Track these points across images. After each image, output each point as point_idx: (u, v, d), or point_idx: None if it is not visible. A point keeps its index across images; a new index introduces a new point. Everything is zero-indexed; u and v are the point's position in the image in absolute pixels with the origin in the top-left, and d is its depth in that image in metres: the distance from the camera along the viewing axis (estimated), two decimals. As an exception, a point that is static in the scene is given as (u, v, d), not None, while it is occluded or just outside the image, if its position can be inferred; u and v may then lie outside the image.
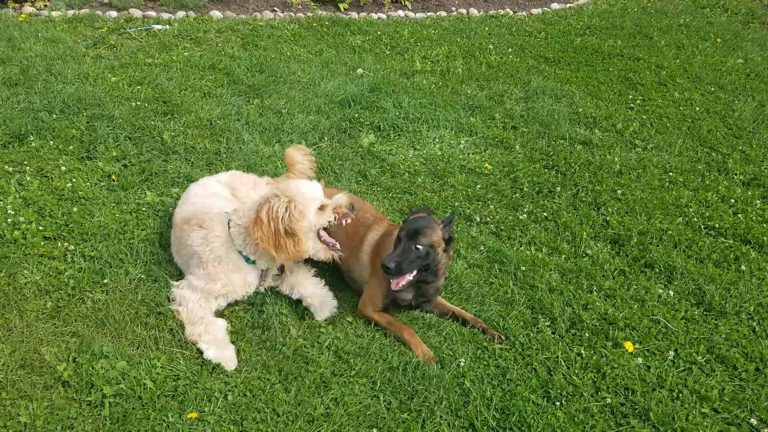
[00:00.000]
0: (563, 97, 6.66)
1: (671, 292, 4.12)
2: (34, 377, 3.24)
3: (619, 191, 5.07)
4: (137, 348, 3.46)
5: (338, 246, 3.79)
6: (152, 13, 7.98)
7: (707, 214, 4.90)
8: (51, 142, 5.09)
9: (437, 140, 5.68)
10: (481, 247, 4.38)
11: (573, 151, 5.60)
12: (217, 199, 4.06)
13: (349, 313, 3.82)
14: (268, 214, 3.49)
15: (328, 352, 3.53)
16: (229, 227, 3.71)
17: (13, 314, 3.58)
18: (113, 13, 7.86)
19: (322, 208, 3.66)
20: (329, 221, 3.69)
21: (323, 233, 3.76)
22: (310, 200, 3.60)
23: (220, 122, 5.59)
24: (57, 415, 3.06)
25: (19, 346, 3.39)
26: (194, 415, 3.10)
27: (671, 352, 3.66)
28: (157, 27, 7.54)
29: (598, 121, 6.22)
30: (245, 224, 3.64)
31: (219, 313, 3.73)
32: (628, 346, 3.67)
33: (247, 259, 3.71)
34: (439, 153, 5.46)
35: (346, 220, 3.75)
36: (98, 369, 3.26)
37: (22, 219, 4.22)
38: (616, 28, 9.08)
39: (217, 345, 3.48)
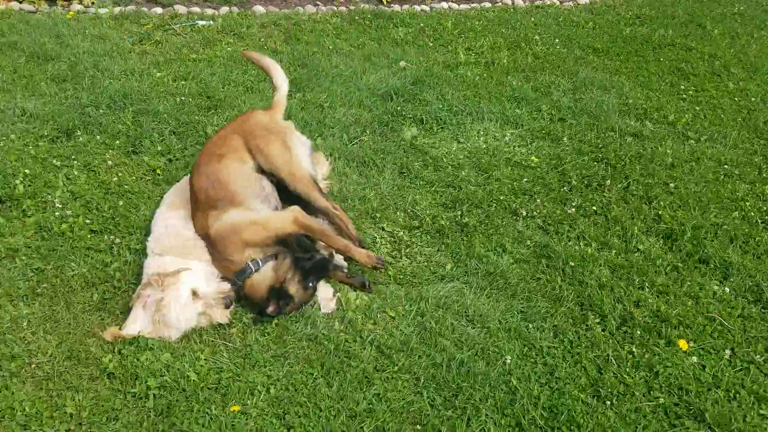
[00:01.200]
0: (612, 88, 6.47)
1: (727, 289, 3.94)
2: (80, 368, 3.27)
3: (671, 184, 4.88)
4: (181, 340, 3.47)
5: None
6: (196, 9, 8.05)
7: (765, 208, 4.68)
8: (98, 137, 5.16)
9: (482, 133, 5.57)
10: (528, 242, 4.27)
11: (623, 144, 5.42)
12: None
13: (391, 307, 3.75)
14: None
15: (371, 347, 3.48)
16: None
17: (60, 306, 3.63)
18: (158, 10, 7.95)
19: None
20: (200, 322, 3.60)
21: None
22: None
23: (263, 116, 5.58)
24: (102, 406, 3.08)
25: (65, 338, 3.43)
26: (237, 408, 3.09)
27: (727, 351, 3.49)
28: (201, 23, 7.60)
29: (649, 113, 6.01)
30: None
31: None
32: (682, 344, 3.52)
33: None
34: (484, 146, 5.35)
35: None
36: (143, 361, 3.28)
37: (69, 212, 4.28)
38: (666, 17, 8.80)
39: None
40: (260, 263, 3.68)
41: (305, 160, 4.13)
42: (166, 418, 3.04)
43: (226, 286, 3.63)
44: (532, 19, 8.40)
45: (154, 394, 3.13)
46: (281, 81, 4.51)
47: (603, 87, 6.47)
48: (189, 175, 4.11)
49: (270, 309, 3.56)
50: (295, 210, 3.84)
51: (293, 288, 3.62)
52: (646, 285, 3.96)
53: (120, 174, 4.72)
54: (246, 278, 3.65)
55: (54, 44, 6.75)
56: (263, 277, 3.66)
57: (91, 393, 3.14)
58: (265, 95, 5.97)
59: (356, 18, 8.04)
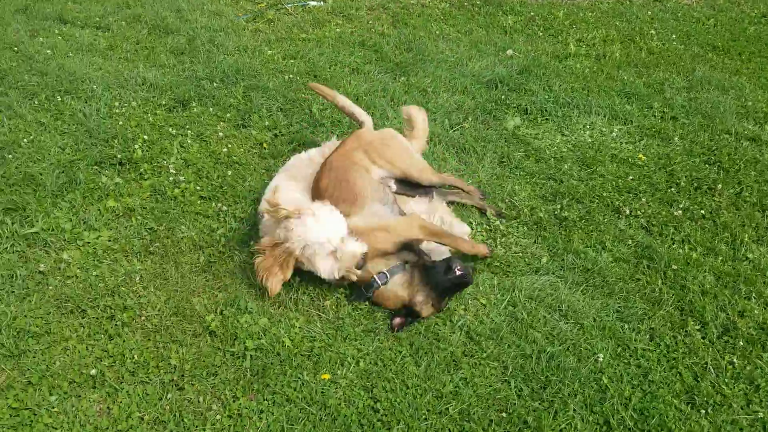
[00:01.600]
0: (731, 89, 6.13)
1: None
2: (185, 324, 3.46)
3: (789, 193, 4.60)
4: (278, 307, 3.61)
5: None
6: (309, -10, 8.23)
7: None
8: (211, 108, 5.40)
9: (588, 127, 5.42)
10: (629, 242, 4.14)
11: (739, 147, 5.14)
12: None
13: (482, 295, 3.75)
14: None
15: (460, 332, 3.49)
16: None
17: (170, 265, 3.85)
18: (273, -10, 8.18)
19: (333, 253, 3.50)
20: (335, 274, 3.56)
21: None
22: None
23: (366, 98, 5.66)
24: (203, 361, 3.26)
25: (173, 295, 3.64)
26: (327, 376, 3.19)
27: (840, 372, 3.29)
28: (312, 3, 7.77)
29: (770, 117, 5.67)
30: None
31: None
32: (790, 360, 3.34)
33: None
34: (589, 140, 5.22)
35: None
36: (242, 323, 3.44)
37: (182, 178, 4.51)
38: (797, 17, 8.23)
39: None
40: (387, 276, 3.62)
41: (418, 153, 4.34)
42: (261, 378, 3.18)
43: (360, 249, 3.57)
44: (649, 12, 8.06)
45: (251, 355, 3.28)
46: (364, 116, 4.57)
47: (721, 87, 6.14)
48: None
49: (395, 322, 3.52)
50: (414, 216, 3.85)
51: (426, 311, 3.57)
52: (753, 295, 3.77)
53: (229, 145, 4.93)
54: (373, 291, 3.62)
55: (174, 18, 7.09)
56: (394, 293, 3.61)
57: (193, 348, 3.33)
58: (369, 77, 6.05)
59: (465, 4, 7.98)
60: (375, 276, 3.59)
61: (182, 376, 3.18)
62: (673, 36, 7.32)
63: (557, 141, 5.21)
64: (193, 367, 3.21)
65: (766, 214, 4.43)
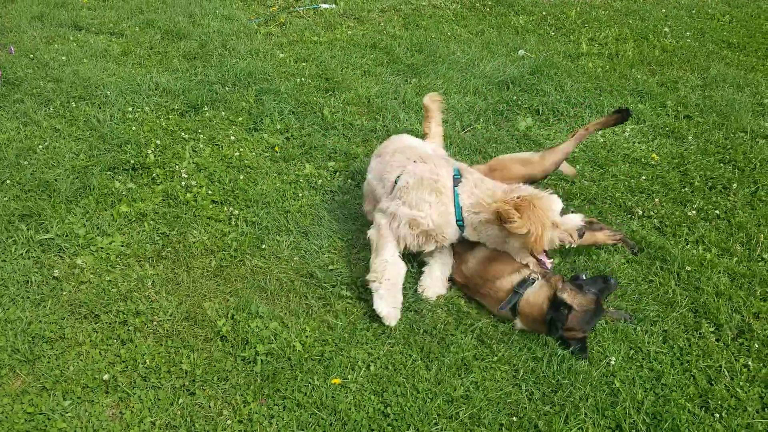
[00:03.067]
0: (747, 86, 6.06)
1: None
2: (196, 329, 3.49)
3: (807, 192, 4.54)
4: (289, 313, 3.62)
5: (548, 265, 3.64)
6: (320, -7, 8.26)
7: None
8: (223, 113, 5.43)
9: (600, 127, 5.38)
10: (642, 242, 4.10)
11: (754, 146, 5.08)
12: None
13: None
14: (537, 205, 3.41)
15: (471, 336, 3.48)
16: (455, 183, 3.67)
17: (181, 269, 3.87)
18: (285, -7, 8.22)
19: (554, 225, 3.49)
20: (556, 241, 3.52)
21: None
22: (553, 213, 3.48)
23: (378, 100, 5.67)
24: (214, 366, 3.27)
25: (184, 299, 3.67)
26: (338, 381, 3.19)
27: None
28: (324, 6, 7.79)
29: (787, 114, 5.60)
30: (483, 195, 3.57)
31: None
32: (806, 363, 3.30)
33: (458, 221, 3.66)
34: (602, 140, 5.18)
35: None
36: (253, 327, 3.45)
37: (194, 183, 4.54)
38: (815, 12, 8.11)
39: (388, 293, 3.50)
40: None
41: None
42: (272, 383, 3.19)
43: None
44: (663, 10, 7.99)
45: (261, 360, 3.30)
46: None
47: (736, 85, 6.07)
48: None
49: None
50: None
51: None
52: (770, 297, 3.73)
53: (241, 149, 4.95)
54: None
55: (186, 23, 7.14)
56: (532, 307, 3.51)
57: (204, 353, 3.35)
58: (381, 79, 6.05)
59: (477, 4, 7.96)
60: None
61: (193, 381, 3.20)
62: (688, 33, 7.25)
63: (569, 141, 5.17)
64: (204, 372, 3.23)
65: (783, 214, 4.37)
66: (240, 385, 3.19)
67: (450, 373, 3.27)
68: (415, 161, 3.80)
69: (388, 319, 3.47)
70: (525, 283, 3.51)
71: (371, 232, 3.77)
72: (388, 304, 3.49)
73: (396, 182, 3.78)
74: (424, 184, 3.62)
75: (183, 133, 5.11)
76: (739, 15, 7.91)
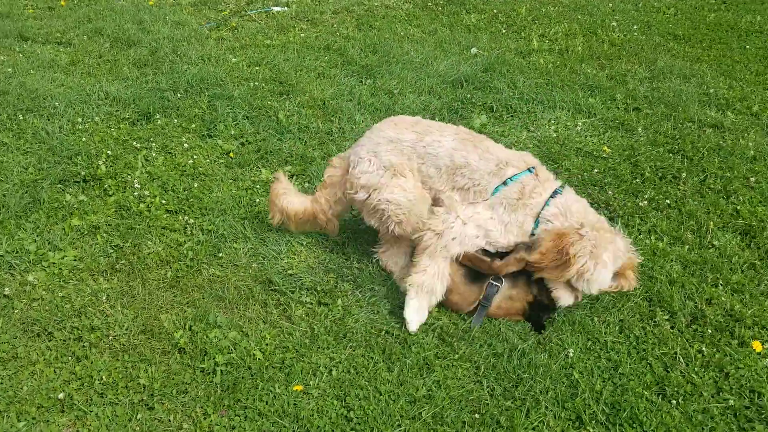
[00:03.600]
0: (693, 77, 6.22)
1: (809, 290, 3.76)
2: (153, 342, 3.43)
3: (752, 179, 4.67)
4: (248, 321, 3.58)
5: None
6: (272, -4, 8.21)
7: None
8: (175, 120, 5.35)
9: (552, 122, 5.46)
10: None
11: (702, 135, 5.21)
12: None
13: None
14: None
15: (433, 335, 3.50)
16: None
17: (136, 282, 3.81)
18: (236, -3, 8.15)
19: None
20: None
21: None
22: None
23: (333, 102, 5.66)
24: (173, 379, 3.22)
25: (140, 312, 3.60)
26: (300, 387, 3.17)
27: (807, 355, 3.34)
28: (276, 9, 7.74)
29: (731, 103, 5.75)
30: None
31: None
32: (756, 345, 3.38)
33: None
34: (554, 135, 5.26)
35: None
36: (212, 338, 3.41)
37: (147, 193, 4.47)
38: (755, 3, 8.36)
39: (421, 301, 3.49)
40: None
41: None
42: (232, 393, 3.15)
43: None
44: (610, 4, 8.15)
45: (221, 370, 3.26)
46: None
47: (683, 76, 6.22)
48: None
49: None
50: None
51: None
52: (720, 282, 3.82)
53: (195, 157, 4.89)
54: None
55: (136, 30, 7.03)
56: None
57: (162, 366, 3.30)
58: (336, 81, 6.04)
59: (429, 4, 8.00)
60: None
61: (152, 395, 3.14)
62: (635, 27, 7.40)
63: (523, 137, 5.24)
64: (163, 386, 3.18)
65: (731, 201, 4.49)
66: (200, 397, 3.15)
67: (412, 374, 3.27)
68: (538, 175, 3.53)
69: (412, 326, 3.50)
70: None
71: (429, 235, 3.50)
72: (420, 315, 3.52)
73: (505, 183, 3.51)
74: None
75: (135, 143, 5.02)
76: (683, 7, 8.12)
